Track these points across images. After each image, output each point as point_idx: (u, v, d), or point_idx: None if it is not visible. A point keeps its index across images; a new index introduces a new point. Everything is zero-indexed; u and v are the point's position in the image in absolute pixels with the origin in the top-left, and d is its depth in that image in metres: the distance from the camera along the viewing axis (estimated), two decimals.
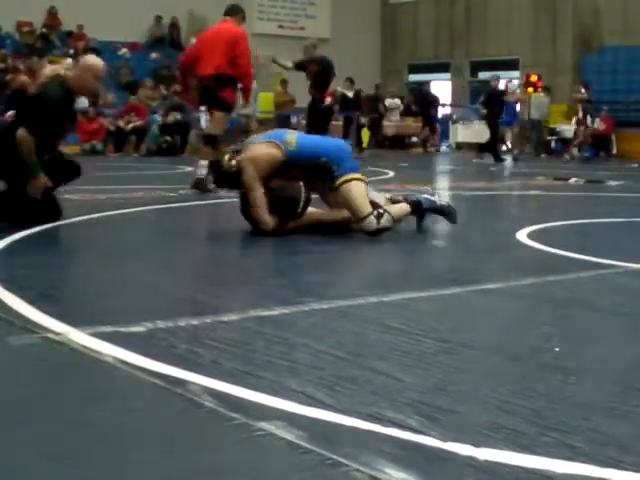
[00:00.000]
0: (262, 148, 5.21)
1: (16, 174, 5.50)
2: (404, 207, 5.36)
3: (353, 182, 5.12)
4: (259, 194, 5.10)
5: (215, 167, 5.42)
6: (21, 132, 5.39)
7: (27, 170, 5.46)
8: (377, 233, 5.08)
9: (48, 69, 10.61)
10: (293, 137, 5.29)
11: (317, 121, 10.94)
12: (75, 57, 18.88)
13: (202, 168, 8.14)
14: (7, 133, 5.59)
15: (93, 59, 5.99)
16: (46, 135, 5.49)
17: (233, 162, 5.19)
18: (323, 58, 10.97)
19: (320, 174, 5.22)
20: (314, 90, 10.93)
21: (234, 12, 8.43)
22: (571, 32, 22.42)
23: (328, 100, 11.04)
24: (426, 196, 5.48)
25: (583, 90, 19.46)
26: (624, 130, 19.72)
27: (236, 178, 5.18)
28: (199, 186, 8.16)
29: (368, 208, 5.07)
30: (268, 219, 5.11)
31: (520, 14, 23.17)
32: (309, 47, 10.99)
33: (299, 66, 10.86)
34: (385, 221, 5.09)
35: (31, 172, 5.47)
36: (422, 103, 22.16)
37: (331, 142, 5.57)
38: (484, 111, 16.81)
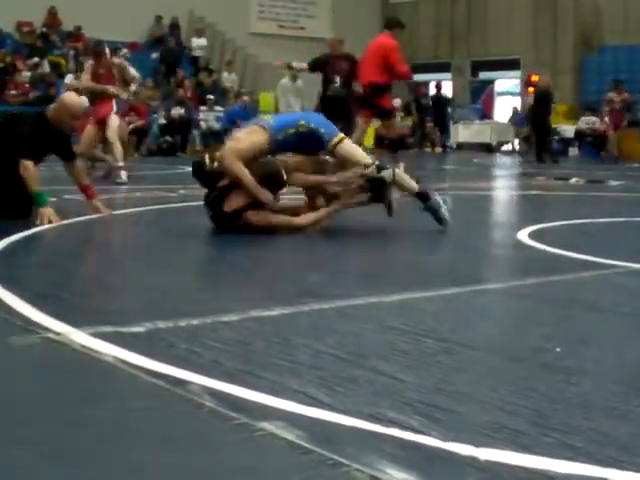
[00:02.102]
0: (244, 139, 5.35)
1: None
2: (414, 184, 5.51)
3: (346, 140, 5.39)
4: (248, 177, 5.15)
5: (199, 170, 5.43)
6: (22, 163, 5.68)
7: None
8: (377, 183, 5.15)
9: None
10: (268, 115, 5.81)
11: (342, 118, 10.60)
12: (76, 57, 18.91)
13: (399, 169, 9.04)
14: None
15: (70, 98, 6.15)
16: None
17: (215, 163, 5.32)
18: (352, 55, 10.52)
19: (311, 147, 5.37)
20: (344, 90, 10.19)
21: (389, 26, 9.82)
22: (572, 31, 22.42)
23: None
24: (438, 198, 5.51)
25: (611, 93, 18.92)
26: (625, 130, 19.65)
27: (220, 174, 5.29)
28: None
29: (368, 159, 5.29)
30: (269, 194, 5.17)
31: (521, 14, 23.17)
32: (335, 42, 10.57)
33: (314, 66, 10.50)
34: (386, 174, 5.22)
35: (35, 203, 5.69)
36: (435, 103, 22.28)
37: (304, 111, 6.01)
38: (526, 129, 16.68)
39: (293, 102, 15.30)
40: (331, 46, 10.64)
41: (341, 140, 5.34)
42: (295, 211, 5.41)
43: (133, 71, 10.57)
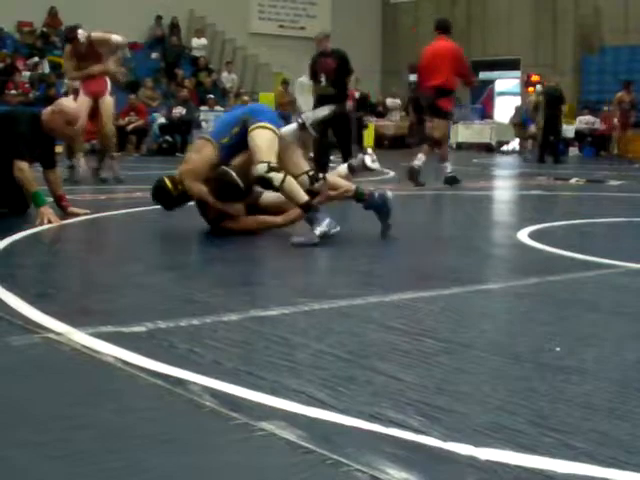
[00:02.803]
0: (194, 159, 5.29)
1: None
2: (302, 195, 4.99)
3: (263, 130, 5.06)
4: (210, 198, 5.16)
5: (164, 195, 5.37)
6: (17, 164, 5.62)
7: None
8: (262, 183, 5.00)
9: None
10: (211, 122, 5.68)
11: (341, 127, 9.95)
12: None
13: (419, 160, 9.75)
14: None
15: (69, 104, 6.09)
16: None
17: (179, 186, 5.30)
18: (340, 51, 10.08)
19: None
20: (331, 88, 9.84)
21: (448, 30, 9.96)
22: (572, 32, 22.43)
23: (349, 104, 10.40)
24: (379, 193, 5.18)
25: (621, 93, 18.82)
26: (632, 130, 19.60)
27: (185, 195, 5.31)
28: (412, 175, 9.59)
29: (269, 157, 4.96)
30: (237, 207, 5.19)
31: (521, 14, 23.18)
32: (322, 38, 10.14)
33: (312, 74, 10.17)
34: (275, 178, 4.90)
35: (34, 203, 5.64)
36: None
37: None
38: (534, 125, 16.71)
39: (310, 100, 14.98)
40: (317, 42, 10.27)
41: (258, 128, 5.06)
42: (280, 208, 5.35)
43: (115, 37, 9.64)
